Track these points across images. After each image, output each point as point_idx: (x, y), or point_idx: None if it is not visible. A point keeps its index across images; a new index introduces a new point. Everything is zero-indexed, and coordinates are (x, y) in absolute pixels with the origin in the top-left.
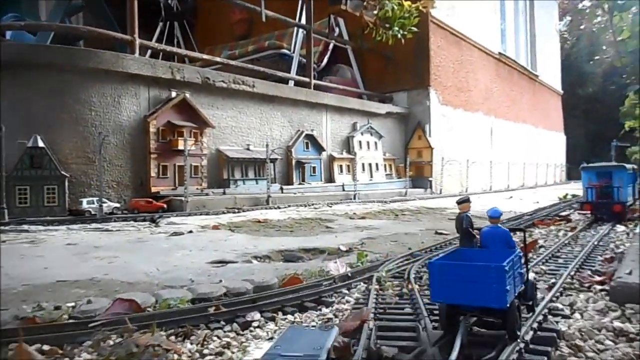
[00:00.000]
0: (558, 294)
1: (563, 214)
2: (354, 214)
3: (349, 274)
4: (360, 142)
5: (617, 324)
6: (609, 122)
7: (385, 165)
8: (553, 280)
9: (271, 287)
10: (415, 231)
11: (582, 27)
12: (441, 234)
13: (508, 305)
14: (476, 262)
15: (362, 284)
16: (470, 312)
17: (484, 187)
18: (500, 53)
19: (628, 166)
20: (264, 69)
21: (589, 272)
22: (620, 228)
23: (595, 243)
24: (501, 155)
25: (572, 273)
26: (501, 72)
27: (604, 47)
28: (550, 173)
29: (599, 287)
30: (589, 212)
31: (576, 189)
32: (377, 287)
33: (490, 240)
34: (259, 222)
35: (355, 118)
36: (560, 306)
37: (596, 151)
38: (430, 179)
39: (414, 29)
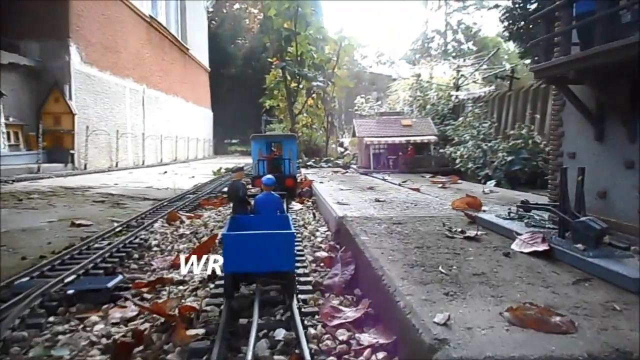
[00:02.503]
0: None
1: (224, 190)
2: None
3: None
4: None
5: None
6: (249, 101)
7: (8, 133)
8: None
9: None
10: (41, 224)
11: (225, 10)
12: (80, 225)
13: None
14: (255, 229)
15: None
16: (259, 278)
17: (136, 162)
18: (151, 16)
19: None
20: None
21: (329, 308)
22: (297, 206)
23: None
24: (154, 128)
25: (298, 305)
26: (153, 38)
27: (241, 34)
28: (200, 148)
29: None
30: (259, 188)
31: (225, 163)
32: None
33: (264, 206)
34: None
35: None
36: None
37: (239, 128)
38: (72, 151)
39: None
